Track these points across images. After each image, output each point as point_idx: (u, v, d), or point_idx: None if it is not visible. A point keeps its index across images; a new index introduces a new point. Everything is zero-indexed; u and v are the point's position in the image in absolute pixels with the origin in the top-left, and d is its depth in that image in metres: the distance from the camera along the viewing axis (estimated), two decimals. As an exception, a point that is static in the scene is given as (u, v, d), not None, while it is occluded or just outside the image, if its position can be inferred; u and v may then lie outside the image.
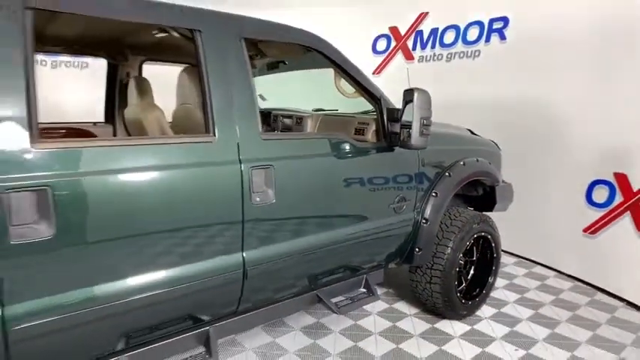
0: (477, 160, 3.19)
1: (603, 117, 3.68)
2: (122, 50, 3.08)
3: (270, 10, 4.50)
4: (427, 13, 5.07)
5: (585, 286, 3.91)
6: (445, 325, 3.17)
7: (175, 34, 2.27)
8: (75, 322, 1.61)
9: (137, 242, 1.73)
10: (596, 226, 3.80)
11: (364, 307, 3.35)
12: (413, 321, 3.23)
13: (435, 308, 3.17)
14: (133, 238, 1.72)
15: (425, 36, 5.09)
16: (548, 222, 4.18)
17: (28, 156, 1.48)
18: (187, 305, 1.96)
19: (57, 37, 2.52)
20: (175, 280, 1.83)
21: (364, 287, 2.80)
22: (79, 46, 2.87)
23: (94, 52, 3.11)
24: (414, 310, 3.38)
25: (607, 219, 3.74)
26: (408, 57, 5.27)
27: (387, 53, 5.46)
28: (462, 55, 4.75)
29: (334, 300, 2.67)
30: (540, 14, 4.09)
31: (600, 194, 3.77)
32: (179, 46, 2.82)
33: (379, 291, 2.92)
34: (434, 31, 5.01)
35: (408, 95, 2.37)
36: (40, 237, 1.49)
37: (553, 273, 4.18)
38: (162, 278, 1.80)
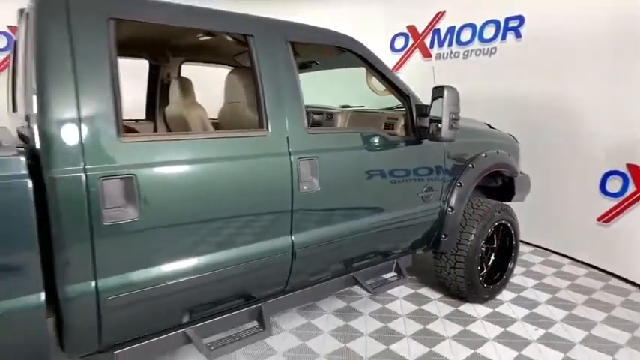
0: (498, 153, 3.38)
1: (616, 112, 3.85)
2: (165, 52, 3.29)
3: (294, 9, 4.72)
4: (444, 12, 5.24)
5: (599, 272, 4.09)
6: (468, 308, 3.37)
7: (226, 38, 2.48)
8: (154, 294, 1.83)
9: (205, 225, 1.95)
10: (610, 214, 3.98)
11: (390, 292, 3.58)
12: (437, 304, 3.43)
13: (458, 292, 3.37)
14: (202, 222, 1.93)
15: (442, 34, 5.27)
16: (564, 212, 4.36)
17: (117, 148, 1.70)
18: (245, 282, 2.18)
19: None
20: (235, 259, 2.05)
21: (395, 270, 3.00)
22: (127, 48, 3.08)
23: (138, 54, 3.32)
24: (437, 295, 3.58)
25: (620, 208, 3.91)
26: (426, 55, 5.45)
27: (404, 51, 5.64)
28: (478, 52, 4.93)
29: (368, 282, 2.88)
30: (555, 13, 4.25)
31: (614, 184, 3.94)
32: (218, 47, 3.05)
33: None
34: (451, 29, 5.19)
35: (437, 92, 2.56)
36: (127, 219, 1.71)
37: (568, 260, 4.37)
38: (224, 257, 2.02)
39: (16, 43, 2.41)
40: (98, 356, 1.86)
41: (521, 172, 3.73)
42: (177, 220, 1.86)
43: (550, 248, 4.61)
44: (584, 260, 4.28)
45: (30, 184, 1.52)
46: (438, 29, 5.33)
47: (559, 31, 4.21)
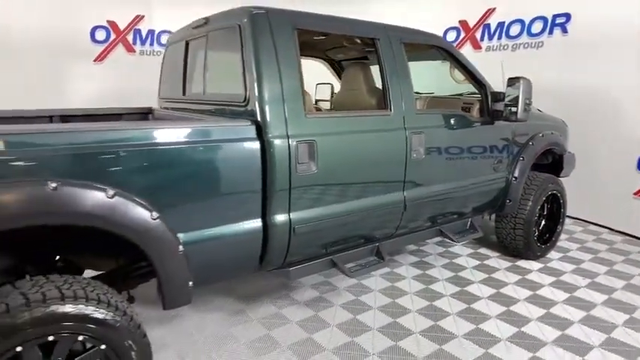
0: (552, 133, 4.01)
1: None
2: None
3: (350, 7, 5.36)
4: (495, 8, 5.82)
5: (635, 239, 4.72)
6: (524, 263, 4.04)
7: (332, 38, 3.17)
8: (321, 227, 2.55)
9: (355, 178, 2.67)
10: (646, 189, 4.59)
11: (453, 250, 4.29)
12: (497, 261, 4.11)
13: (515, 250, 4.04)
14: (353, 176, 2.65)
15: (492, 29, 5.86)
16: (604, 187, 4.96)
17: (304, 121, 2.41)
18: (372, 224, 2.89)
19: None
20: (371, 207, 2.76)
21: (469, 227, 3.69)
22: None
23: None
24: (495, 254, 4.26)
25: (655, 184, 4.52)
26: (476, 47, 6.05)
27: (455, 43, 6.24)
28: (526, 45, 5.51)
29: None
30: (600, 11, 4.81)
31: (650, 163, 4.55)
32: (318, 44, 3.74)
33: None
34: (500, 24, 5.77)
35: (512, 81, 3.20)
36: (311, 171, 2.42)
37: (606, 230, 4.99)
38: (364, 204, 2.73)
39: (187, 43, 3.12)
40: (279, 271, 2.61)
41: (568, 151, 4.35)
42: (339, 174, 2.58)
43: (589, 220, 5.23)
44: (620, 230, 4.89)
45: (258, 144, 2.24)
46: (489, 24, 5.91)
47: (603, 28, 4.77)
